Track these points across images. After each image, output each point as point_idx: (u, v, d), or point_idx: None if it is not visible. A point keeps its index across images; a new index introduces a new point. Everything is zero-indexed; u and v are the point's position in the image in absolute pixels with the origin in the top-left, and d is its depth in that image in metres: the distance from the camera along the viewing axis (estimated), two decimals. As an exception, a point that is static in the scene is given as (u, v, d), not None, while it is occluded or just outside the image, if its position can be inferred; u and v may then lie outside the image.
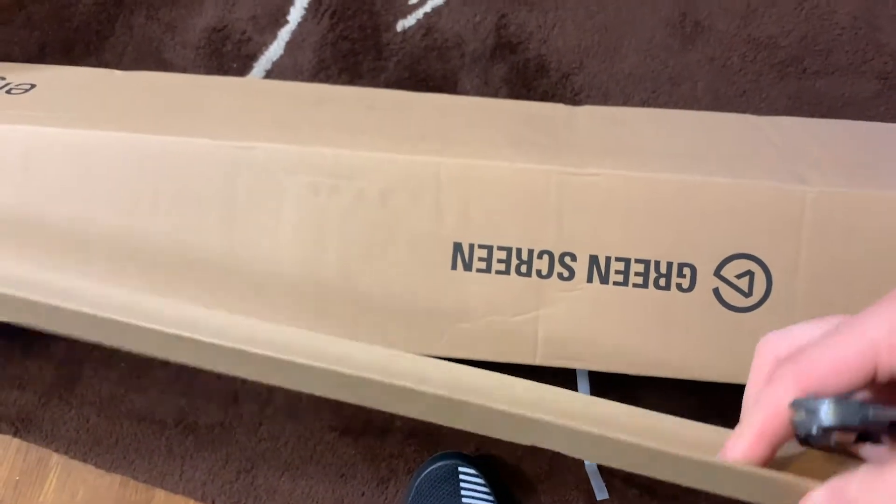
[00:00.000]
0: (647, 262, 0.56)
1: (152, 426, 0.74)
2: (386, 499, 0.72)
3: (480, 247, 0.56)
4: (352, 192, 0.56)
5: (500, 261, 0.56)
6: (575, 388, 0.70)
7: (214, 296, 0.57)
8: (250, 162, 0.56)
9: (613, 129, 0.64)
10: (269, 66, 0.78)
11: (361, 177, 0.56)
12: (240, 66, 0.78)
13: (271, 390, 0.73)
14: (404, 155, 0.56)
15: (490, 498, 0.68)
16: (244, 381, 0.70)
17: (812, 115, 0.73)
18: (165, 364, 0.66)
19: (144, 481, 0.73)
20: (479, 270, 0.56)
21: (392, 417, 0.71)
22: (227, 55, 0.78)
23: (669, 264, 0.56)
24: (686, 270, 0.56)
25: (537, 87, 0.76)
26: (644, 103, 0.75)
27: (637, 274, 0.56)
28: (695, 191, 0.55)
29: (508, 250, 0.56)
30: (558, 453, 0.67)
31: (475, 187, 0.56)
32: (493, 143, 0.59)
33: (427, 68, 0.76)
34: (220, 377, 0.71)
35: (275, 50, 0.77)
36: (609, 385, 0.71)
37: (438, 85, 0.76)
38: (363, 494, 0.73)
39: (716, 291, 0.56)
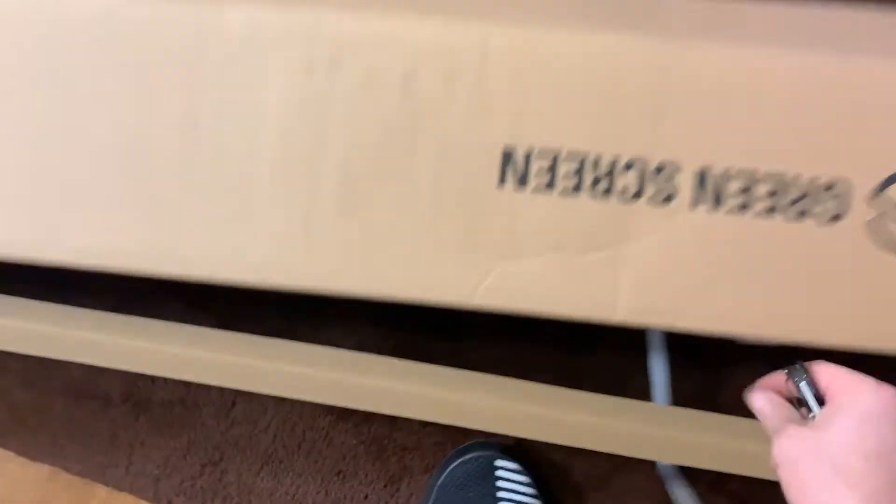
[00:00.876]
0: (778, 178, 0.45)
1: (92, 403, 0.67)
2: (397, 503, 0.65)
3: (540, 153, 0.47)
4: (359, 73, 0.47)
5: (567, 174, 0.47)
6: (644, 360, 0.59)
7: (171, 212, 0.49)
8: (221, 30, 0.48)
9: None
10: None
11: (373, 51, 0.47)
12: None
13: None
14: (435, 19, 0.47)
15: (535, 500, 0.60)
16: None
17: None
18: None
19: (79, 474, 0.67)
20: (536, 189, 0.47)
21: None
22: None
23: (811, 182, 0.46)
24: (833, 191, 0.46)
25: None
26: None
27: (764, 196, 0.46)
28: (849, 79, 0.45)
29: (581, 159, 0.46)
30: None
31: (535, 68, 0.47)
32: (561, 6, 0.49)
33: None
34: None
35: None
36: (690, 362, 0.62)
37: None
38: (366, 497, 0.66)
39: (873, 224, 0.46)
